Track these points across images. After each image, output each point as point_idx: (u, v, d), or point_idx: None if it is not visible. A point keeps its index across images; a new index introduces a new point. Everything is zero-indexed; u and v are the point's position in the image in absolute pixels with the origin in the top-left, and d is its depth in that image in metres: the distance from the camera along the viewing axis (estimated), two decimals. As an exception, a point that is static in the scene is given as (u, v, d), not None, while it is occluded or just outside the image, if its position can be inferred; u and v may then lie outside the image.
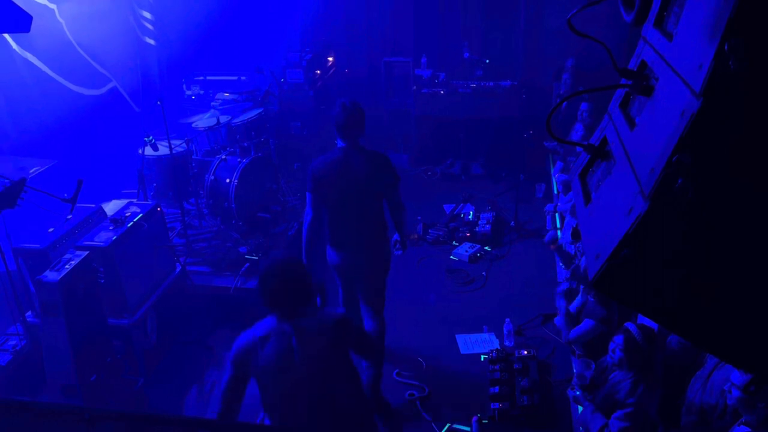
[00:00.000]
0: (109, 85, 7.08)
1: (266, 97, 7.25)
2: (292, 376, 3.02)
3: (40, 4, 6.00)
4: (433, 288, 6.06)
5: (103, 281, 4.58)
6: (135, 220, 4.87)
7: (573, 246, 5.35)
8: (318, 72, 8.01)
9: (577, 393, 3.87)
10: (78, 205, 4.47)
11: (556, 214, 6.48)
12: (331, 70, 8.45)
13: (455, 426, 4.43)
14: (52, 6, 6.21)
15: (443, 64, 8.37)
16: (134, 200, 5.51)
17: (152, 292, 5.10)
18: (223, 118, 6.49)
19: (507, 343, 5.12)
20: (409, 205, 7.10)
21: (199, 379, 5.06)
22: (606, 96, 1.96)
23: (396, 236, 4.74)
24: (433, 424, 4.46)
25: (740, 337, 1.36)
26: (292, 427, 3.20)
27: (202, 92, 7.39)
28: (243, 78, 7.48)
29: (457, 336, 5.32)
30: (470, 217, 7.06)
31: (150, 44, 7.47)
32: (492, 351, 4.96)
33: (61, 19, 6.33)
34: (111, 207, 5.40)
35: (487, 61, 8.22)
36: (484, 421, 4.40)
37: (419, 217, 7.03)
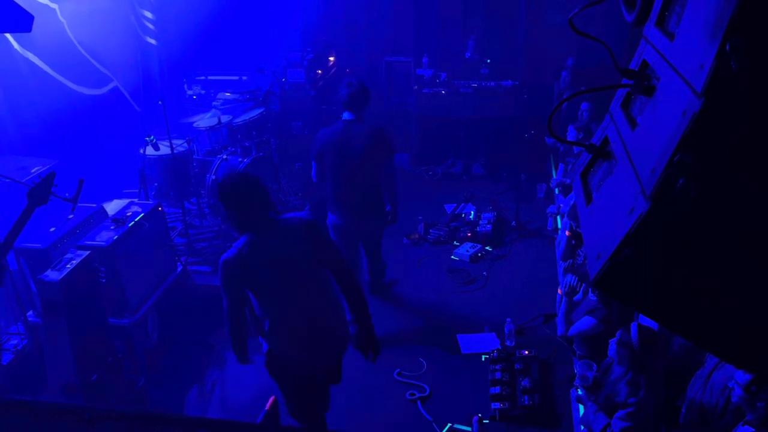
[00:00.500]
0: (111, 85, 7.09)
1: (267, 97, 7.25)
2: (280, 275, 3.30)
3: (41, 4, 6.01)
4: (434, 288, 6.06)
5: (104, 281, 4.58)
6: (136, 219, 4.88)
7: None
8: (319, 72, 8.01)
9: (581, 393, 3.87)
10: (79, 204, 4.47)
11: (558, 216, 6.48)
12: (333, 70, 8.46)
13: (456, 426, 4.43)
14: (54, 6, 6.22)
15: (444, 64, 8.37)
16: (135, 200, 5.51)
17: (153, 291, 5.10)
18: (225, 118, 6.49)
19: (508, 343, 5.11)
20: (410, 205, 7.17)
21: (200, 379, 5.06)
22: (607, 96, 1.96)
23: (388, 207, 5.15)
24: (434, 424, 4.46)
25: (741, 338, 1.36)
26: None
27: (203, 92, 7.40)
28: (244, 78, 7.50)
29: (458, 336, 5.32)
30: (471, 217, 7.06)
31: (151, 44, 7.48)
32: (493, 351, 4.96)
33: (62, 19, 6.34)
34: (112, 206, 5.41)
35: (489, 60, 8.23)
36: (485, 421, 4.40)
37: (420, 217, 7.02)
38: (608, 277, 1.35)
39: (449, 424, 4.45)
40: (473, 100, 7.96)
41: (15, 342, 4.76)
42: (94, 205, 5.34)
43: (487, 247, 6.61)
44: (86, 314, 4.35)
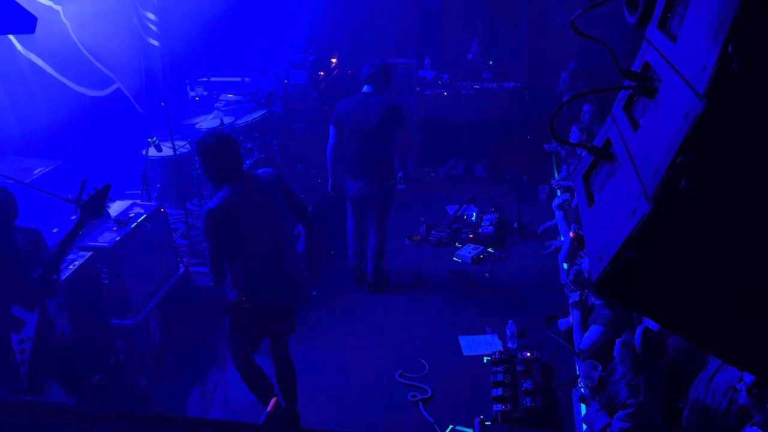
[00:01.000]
0: (113, 86, 7.10)
1: (270, 99, 7.26)
2: (257, 220, 3.81)
3: (44, 6, 6.02)
4: (436, 289, 6.06)
5: (106, 282, 4.59)
6: (138, 220, 4.89)
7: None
8: (321, 73, 8.02)
9: (585, 391, 3.87)
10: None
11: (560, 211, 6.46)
12: (335, 72, 8.46)
13: (458, 428, 4.43)
14: (57, 7, 6.23)
15: (447, 66, 8.38)
16: (138, 201, 5.52)
17: (156, 292, 5.11)
18: (227, 119, 6.50)
19: (510, 345, 5.11)
20: (412, 207, 7.17)
21: (202, 380, 5.07)
22: (609, 98, 1.96)
23: (400, 174, 5.77)
24: (435, 426, 4.46)
25: (743, 339, 1.36)
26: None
27: (205, 93, 7.40)
28: (247, 79, 7.49)
29: (459, 337, 5.32)
30: (473, 218, 7.06)
31: (154, 45, 7.49)
32: (495, 353, 4.96)
33: (65, 21, 6.35)
34: (115, 208, 5.40)
35: (491, 62, 8.24)
36: (486, 423, 4.40)
37: (422, 219, 7.03)
38: (611, 278, 1.35)
39: (451, 426, 4.44)
40: (475, 102, 7.96)
41: (23, 348, 4.76)
42: (97, 206, 5.33)
43: (489, 249, 6.61)
44: (89, 315, 4.35)
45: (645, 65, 1.70)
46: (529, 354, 4.90)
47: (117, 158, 6.47)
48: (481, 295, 5.97)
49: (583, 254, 5.15)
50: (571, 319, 4.83)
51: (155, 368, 4.98)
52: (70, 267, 4.23)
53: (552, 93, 7.98)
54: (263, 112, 6.80)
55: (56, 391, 4.32)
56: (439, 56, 8.45)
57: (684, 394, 3.62)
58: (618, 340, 3.68)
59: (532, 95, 7.96)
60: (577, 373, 4.57)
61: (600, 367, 3.85)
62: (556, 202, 6.56)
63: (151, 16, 7.34)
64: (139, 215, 4.95)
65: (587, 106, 6.81)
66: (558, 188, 6.61)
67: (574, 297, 4.72)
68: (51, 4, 6.16)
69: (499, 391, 4.54)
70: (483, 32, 8.45)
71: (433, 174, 8.33)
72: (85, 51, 6.63)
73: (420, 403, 4.67)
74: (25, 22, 4.32)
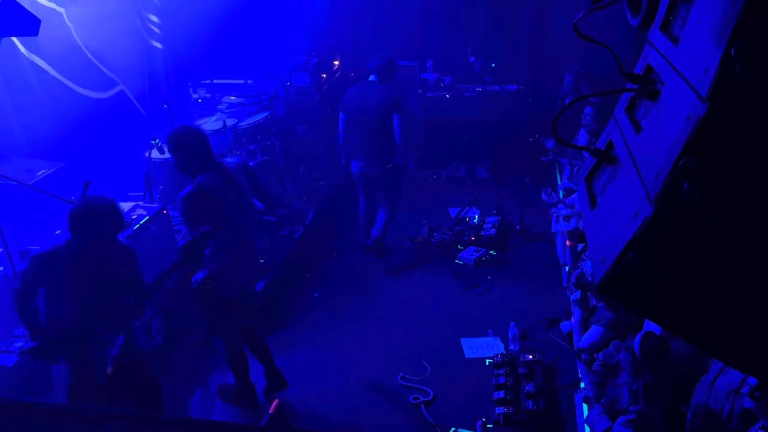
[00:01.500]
0: (117, 89, 7.11)
1: (272, 101, 7.26)
2: (230, 204, 4.04)
3: (48, 8, 6.04)
4: (438, 292, 6.06)
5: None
6: (141, 222, 4.90)
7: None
8: (324, 75, 8.02)
9: (588, 393, 3.86)
10: (85, 207, 4.47)
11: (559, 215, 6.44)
12: (337, 74, 8.47)
13: (460, 430, 4.42)
14: (60, 10, 6.25)
15: (449, 68, 8.38)
16: (141, 203, 5.52)
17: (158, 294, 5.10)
18: (230, 122, 6.51)
19: (512, 348, 5.10)
20: (415, 209, 7.16)
21: (204, 381, 5.07)
22: (611, 100, 1.96)
23: (399, 159, 6.19)
24: (437, 429, 4.46)
25: (745, 342, 1.36)
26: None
27: (208, 95, 7.40)
28: (249, 81, 7.50)
29: (462, 340, 5.31)
30: (475, 220, 7.06)
31: (157, 48, 7.50)
32: (497, 355, 4.95)
33: (69, 23, 6.37)
34: (117, 209, 5.41)
35: (493, 65, 8.24)
36: (488, 426, 4.39)
37: (424, 221, 7.03)
38: (613, 281, 1.35)
39: (453, 429, 4.44)
40: (478, 104, 7.96)
41: (20, 344, 4.77)
42: (100, 208, 5.34)
43: (492, 251, 6.61)
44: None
45: (647, 68, 1.70)
46: (531, 356, 4.89)
47: (120, 160, 6.48)
48: (483, 297, 5.97)
49: (585, 257, 5.15)
50: (572, 319, 4.83)
51: (157, 369, 4.97)
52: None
53: (554, 95, 7.97)
54: (266, 114, 6.81)
55: (59, 393, 4.34)
56: (441, 59, 8.45)
57: (687, 399, 3.61)
58: (620, 343, 3.67)
59: (535, 97, 7.97)
60: (579, 375, 4.57)
61: (622, 351, 3.79)
62: (556, 227, 6.54)
63: (154, 18, 7.36)
64: (141, 217, 4.96)
65: (589, 109, 6.80)
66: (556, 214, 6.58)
67: (576, 295, 4.71)
68: (54, 6, 6.17)
69: (501, 394, 4.53)
70: (486, 34, 8.44)
71: (435, 176, 8.33)
72: (88, 53, 6.64)
73: (422, 406, 4.67)
74: (29, 25, 4.33)
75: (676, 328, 1.43)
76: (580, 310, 4.63)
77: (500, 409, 4.43)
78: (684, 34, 1.49)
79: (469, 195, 7.72)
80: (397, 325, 5.58)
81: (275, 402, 4.47)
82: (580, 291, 4.72)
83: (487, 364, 5.02)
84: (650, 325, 3.73)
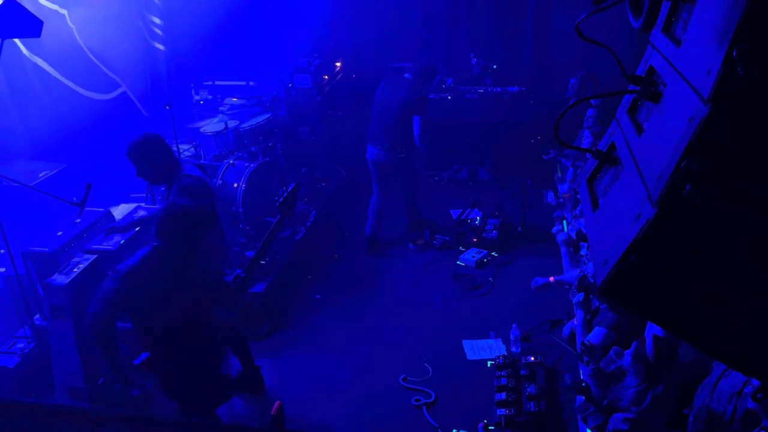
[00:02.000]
0: (119, 90, 7.12)
1: (274, 102, 7.26)
2: (205, 217, 3.78)
3: (50, 9, 6.05)
4: (440, 293, 6.05)
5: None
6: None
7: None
8: (326, 77, 8.02)
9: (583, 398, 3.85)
10: (87, 208, 4.49)
11: (563, 221, 6.45)
12: (339, 76, 8.47)
13: (461, 432, 4.42)
14: (63, 11, 6.26)
15: (451, 70, 8.37)
16: (142, 204, 5.52)
17: (160, 295, 5.10)
18: (232, 123, 6.51)
19: (514, 349, 5.10)
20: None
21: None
22: (614, 102, 1.96)
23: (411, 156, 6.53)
24: (439, 430, 4.45)
25: (747, 344, 1.36)
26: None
27: (210, 97, 7.41)
28: (251, 83, 7.50)
29: (463, 342, 5.30)
30: (477, 222, 7.05)
31: (159, 49, 7.51)
32: (499, 357, 4.94)
33: (71, 24, 6.38)
34: (119, 211, 5.43)
35: (495, 66, 8.23)
36: (490, 428, 4.39)
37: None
38: (615, 283, 1.34)
39: (455, 430, 4.43)
40: (479, 106, 7.95)
41: (22, 345, 4.78)
42: (102, 210, 5.35)
43: (493, 253, 6.60)
44: (93, 318, 4.35)
45: (649, 69, 1.70)
46: (533, 358, 4.88)
47: (122, 161, 6.49)
48: (484, 299, 5.96)
49: (587, 259, 5.14)
50: (574, 321, 4.81)
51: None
52: (75, 270, 4.24)
53: (556, 97, 7.96)
54: (268, 115, 6.81)
55: (60, 394, 4.33)
56: (443, 60, 8.44)
57: (689, 401, 3.60)
58: (628, 351, 3.65)
59: (536, 99, 7.96)
60: (581, 377, 4.56)
61: (630, 357, 3.77)
62: (557, 213, 6.55)
63: (157, 20, 7.37)
64: (143, 218, 4.96)
65: (591, 111, 6.80)
66: (563, 196, 6.58)
67: (579, 297, 4.70)
68: (57, 8, 6.19)
69: (503, 396, 4.53)
70: (487, 36, 8.43)
71: (437, 178, 8.33)
72: (90, 55, 6.66)
73: (424, 408, 4.66)
74: (31, 26, 4.34)
75: (678, 330, 1.43)
76: (583, 312, 4.62)
77: (502, 411, 4.43)
78: (686, 35, 1.49)
79: (471, 196, 7.71)
80: (399, 326, 5.58)
81: (277, 403, 4.47)
82: (582, 293, 4.71)
83: (488, 365, 5.01)
84: (652, 328, 3.72)
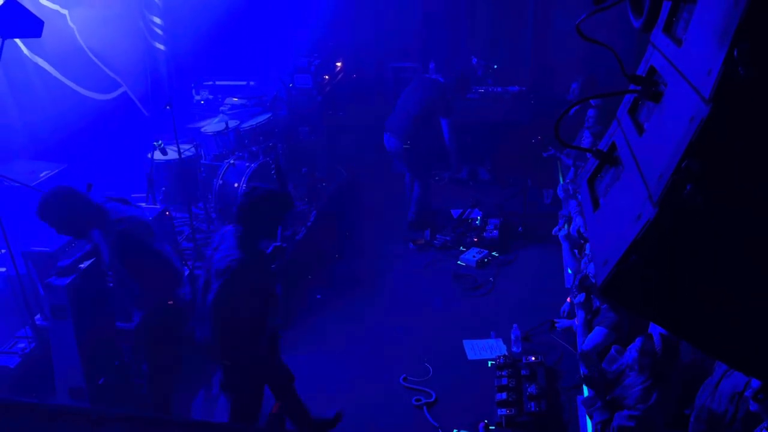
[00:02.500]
0: (120, 90, 7.13)
1: (275, 102, 7.27)
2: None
3: (51, 10, 6.06)
4: (440, 293, 6.05)
5: (111, 285, 4.59)
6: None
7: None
8: (326, 77, 8.02)
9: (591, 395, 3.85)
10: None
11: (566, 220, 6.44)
12: (340, 75, 8.47)
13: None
14: (64, 11, 6.27)
15: (451, 70, 8.36)
16: (143, 204, 5.53)
17: (160, 295, 5.10)
18: (232, 123, 6.51)
19: (514, 349, 5.09)
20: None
21: (206, 383, 5.07)
22: (615, 102, 1.96)
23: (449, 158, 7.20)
24: (440, 430, 4.45)
25: (748, 344, 1.35)
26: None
27: (211, 97, 7.42)
28: (252, 83, 7.51)
29: (464, 341, 5.30)
30: (478, 222, 7.05)
31: (160, 49, 7.52)
32: (499, 357, 4.94)
33: (72, 24, 6.39)
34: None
35: (495, 66, 8.22)
36: (491, 428, 4.39)
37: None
38: (615, 283, 1.34)
39: (455, 430, 4.43)
40: (480, 106, 7.95)
41: (23, 345, 4.78)
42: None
43: (494, 253, 6.60)
44: (94, 318, 4.36)
45: (650, 69, 1.70)
46: (533, 358, 4.88)
47: (123, 161, 6.50)
48: (485, 299, 5.96)
49: (588, 259, 5.14)
50: (575, 321, 4.81)
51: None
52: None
53: (557, 97, 7.96)
54: (268, 115, 6.82)
55: (61, 394, 4.32)
56: (443, 60, 8.44)
57: (691, 401, 3.60)
58: (632, 346, 3.65)
59: (537, 99, 7.96)
60: (582, 371, 4.55)
61: (635, 353, 3.76)
62: (562, 232, 6.51)
63: (157, 20, 7.37)
64: (144, 218, 4.95)
65: (591, 112, 6.80)
66: (563, 193, 6.57)
67: (580, 298, 4.70)
68: (58, 8, 6.19)
69: (504, 396, 4.52)
70: (488, 36, 8.44)
71: (437, 177, 8.31)
72: (91, 55, 6.66)
73: (424, 407, 4.66)
74: (32, 26, 4.34)
75: (679, 331, 1.42)
76: (584, 312, 4.62)
77: (502, 411, 4.43)
78: (687, 35, 1.49)
79: (472, 196, 7.70)
80: (399, 326, 5.58)
81: (277, 403, 4.47)
82: (584, 293, 4.72)
83: (489, 365, 5.01)
84: (655, 328, 3.72)
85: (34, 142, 6.03)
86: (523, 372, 4.74)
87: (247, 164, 6.13)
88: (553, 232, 6.39)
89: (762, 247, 1.26)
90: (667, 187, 1.24)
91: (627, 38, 5.30)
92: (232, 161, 6.17)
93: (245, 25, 7.69)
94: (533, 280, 6.14)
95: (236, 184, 5.97)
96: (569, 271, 5.63)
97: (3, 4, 4.20)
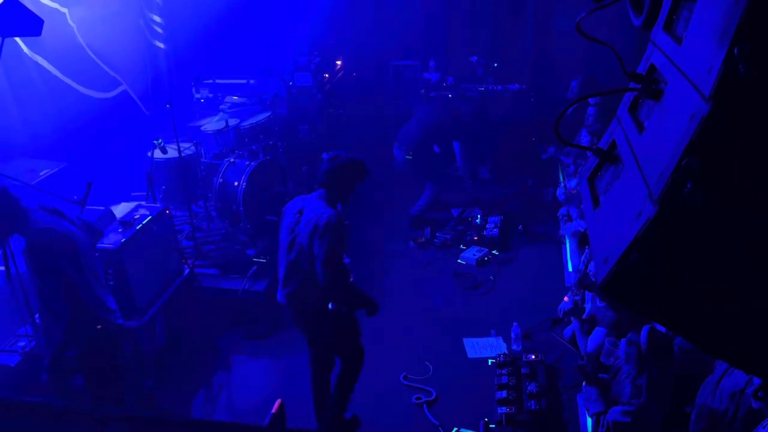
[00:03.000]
0: (120, 89, 7.12)
1: (275, 101, 7.26)
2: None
3: (51, 8, 6.05)
4: (441, 292, 6.05)
5: (112, 283, 4.59)
6: (144, 222, 4.90)
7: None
8: (326, 75, 8.02)
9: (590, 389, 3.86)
10: (88, 207, 4.49)
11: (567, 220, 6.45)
12: (340, 74, 8.47)
13: (462, 430, 4.42)
14: (64, 10, 6.26)
15: (451, 68, 8.37)
16: (143, 203, 5.53)
17: (161, 294, 5.11)
18: (232, 121, 6.51)
19: (514, 348, 5.10)
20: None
21: (207, 382, 5.08)
22: (615, 100, 1.96)
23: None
24: (440, 429, 4.45)
25: (748, 342, 1.36)
26: None
27: (211, 95, 7.41)
28: (252, 81, 7.50)
29: (464, 340, 5.31)
30: (478, 220, 7.05)
31: (160, 47, 7.52)
32: (499, 355, 4.95)
33: (72, 23, 6.38)
34: (120, 209, 5.43)
35: (495, 64, 8.22)
36: (491, 426, 4.39)
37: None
38: (615, 281, 1.34)
39: (456, 428, 4.44)
40: (480, 104, 7.94)
41: (23, 344, 4.78)
42: (102, 208, 5.36)
43: (494, 251, 6.60)
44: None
45: (650, 67, 1.70)
46: (533, 357, 4.88)
47: (123, 160, 6.50)
48: (485, 297, 5.96)
49: (588, 257, 5.14)
50: (573, 324, 4.82)
51: (160, 370, 4.98)
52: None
53: (557, 95, 7.95)
54: (268, 114, 6.82)
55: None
56: (443, 58, 8.44)
57: (691, 399, 3.60)
58: (623, 340, 3.67)
59: (537, 97, 7.95)
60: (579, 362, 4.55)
61: (621, 346, 3.77)
62: (562, 210, 6.52)
63: (157, 18, 7.37)
64: (144, 217, 4.96)
65: (591, 110, 6.80)
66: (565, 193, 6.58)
67: (565, 306, 4.70)
68: (57, 6, 6.19)
69: (504, 394, 4.53)
70: (488, 34, 8.42)
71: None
72: (91, 53, 6.66)
73: (424, 406, 4.67)
74: (32, 25, 4.34)
75: (679, 329, 1.43)
76: (576, 319, 4.63)
77: (502, 409, 4.43)
78: (687, 33, 1.49)
79: (472, 195, 7.70)
80: (399, 325, 5.58)
81: (278, 402, 4.47)
82: (571, 300, 4.73)
83: (489, 364, 5.01)
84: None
85: (34, 140, 6.03)
86: (523, 370, 4.75)
87: (247, 163, 6.13)
88: (561, 232, 6.39)
89: (762, 246, 1.26)
90: (668, 185, 1.24)
91: (627, 37, 5.29)
92: (232, 159, 6.17)
93: (245, 23, 7.69)
94: (533, 278, 6.15)
95: (236, 183, 5.97)
96: (570, 269, 5.63)
97: (3, 3, 4.20)
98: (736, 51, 1.16)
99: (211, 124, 6.62)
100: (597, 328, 4.37)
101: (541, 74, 8.26)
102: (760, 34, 1.16)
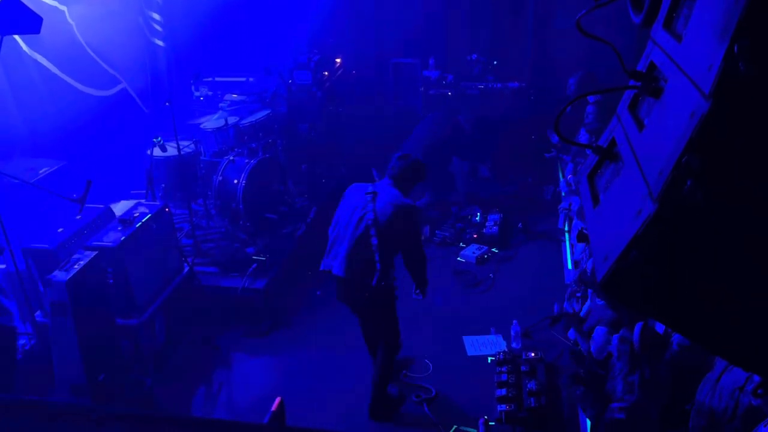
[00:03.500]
0: (119, 87, 7.12)
1: (274, 99, 7.25)
2: None
3: (50, 6, 6.04)
4: (440, 289, 6.04)
5: (111, 281, 4.60)
6: (143, 220, 4.90)
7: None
8: (326, 73, 8.01)
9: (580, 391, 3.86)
10: (87, 205, 4.49)
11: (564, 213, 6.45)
12: (339, 72, 8.45)
13: (462, 428, 4.43)
14: (63, 8, 6.25)
15: (451, 66, 8.36)
16: (143, 201, 5.53)
17: (160, 292, 5.12)
18: (231, 119, 6.51)
19: (514, 345, 5.10)
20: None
21: (207, 380, 5.08)
22: (615, 98, 1.95)
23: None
24: (440, 426, 4.46)
25: (748, 340, 1.35)
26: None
27: (210, 93, 7.40)
28: (251, 79, 7.49)
29: (464, 338, 5.31)
30: (477, 218, 7.05)
31: (159, 45, 7.51)
32: (499, 353, 4.95)
33: (71, 21, 6.37)
34: (120, 207, 5.43)
35: (495, 62, 8.21)
36: (491, 423, 4.39)
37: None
38: (615, 279, 1.34)
39: (455, 426, 4.44)
40: (480, 102, 7.94)
41: (23, 342, 4.79)
42: (102, 206, 5.36)
43: (494, 249, 6.60)
44: (94, 314, 4.37)
45: (650, 65, 1.70)
46: (533, 354, 4.88)
47: (122, 158, 6.50)
48: (485, 295, 5.96)
49: (588, 255, 5.14)
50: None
51: (160, 368, 4.99)
52: (76, 266, 4.24)
53: (556, 93, 7.94)
54: (268, 112, 6.81)
55: (62, 391, 4.33)
56: (443, 56, 8.43)
57: (691, 396, 3.60)
58: (615, 336, 3.67)
59: (537, 95, 7.94)
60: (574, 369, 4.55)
61: (613, 342, 3.77)
62: (562, 205, 6.50)
63: (157, 16, 7.36)
64: (143, 215, 4.96)
65: (590, 108, 6.79)
66: (565, 189, 6.57)
67: (556, 309, 4.69)
68: (56, 4, 6.18)
69: (503, 392, 4.53)
70: (488, 32, 8.41)
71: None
72: (90, 51, 6.65)
73: (424, 404, 4.67)
74: (31, 23, 4.33)
75: (678, 327, 1.43)
76: (571, 324, 4.64)
77: (502, 407, 4.43)
78: (687, 31, 1.49)
79: (466, 193, 7.70)
80: (399, 323, 5.57)
81: (278, 399, 4.47)
82: (558, 305, 4.74)
83: (489, 361, 5.01)
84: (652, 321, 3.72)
85: (34, 138, 6.02)
86: (522, 368, 4.75)
87: (247, 161, 6.12)
88: (558, 226, 6.38)
89: (762, 245, 1.25)
90: (667, 183, 1.24)
91: (627, 34, 5.28)
92: (231, 158, 6.17)
93: (244, 21, 7.68)
94: (533, 276, 6.15)
95: (236, 181, 5.97)
96: (569, 267, 5.63)
97: (2, 1, 4.19)
98: (736, 48, 1.16)
99: (211, 122, 6.62)
100: (597, 328, 4.36)
101: (540, 72, 8.25)
102: (760, 31, 1.15)
